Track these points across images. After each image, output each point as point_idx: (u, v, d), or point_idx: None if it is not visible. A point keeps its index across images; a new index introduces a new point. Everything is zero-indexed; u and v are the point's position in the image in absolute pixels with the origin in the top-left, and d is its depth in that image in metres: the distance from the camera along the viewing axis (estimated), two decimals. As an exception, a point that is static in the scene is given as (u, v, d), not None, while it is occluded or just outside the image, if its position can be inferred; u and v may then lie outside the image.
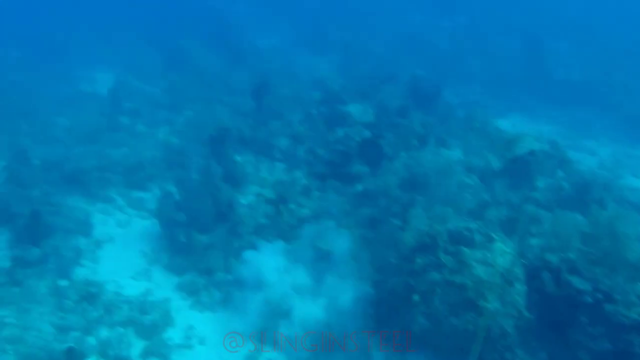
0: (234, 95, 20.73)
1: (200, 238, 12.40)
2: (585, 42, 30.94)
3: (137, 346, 10.22)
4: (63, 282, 11.25)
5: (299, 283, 11.57)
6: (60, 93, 23.18)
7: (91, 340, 10.03)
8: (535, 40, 27.45)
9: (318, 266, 11.93)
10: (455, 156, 14.79)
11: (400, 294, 8.95)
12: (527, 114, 23.40)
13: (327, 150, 14.31)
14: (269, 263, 11.94)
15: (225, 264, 12.25)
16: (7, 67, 26.31)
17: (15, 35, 30.87)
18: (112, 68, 26.39)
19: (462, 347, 8.36)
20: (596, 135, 21.88)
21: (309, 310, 10.84)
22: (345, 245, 12.28)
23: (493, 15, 33.68)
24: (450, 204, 12.40)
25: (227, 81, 22.84)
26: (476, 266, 8.38)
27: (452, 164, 14.42)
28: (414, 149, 14.58)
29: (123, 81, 22.67)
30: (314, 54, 29.66)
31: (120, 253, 12.82)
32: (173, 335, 10.71)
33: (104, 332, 10.30)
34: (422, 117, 16.43)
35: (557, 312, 8.58)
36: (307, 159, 14.86)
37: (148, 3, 36.25)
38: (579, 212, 12.00)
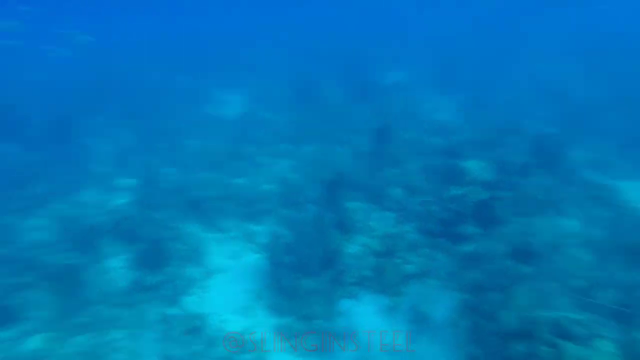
0: (354, 134, 21.16)
1: (305, 282, 12.86)
2: None
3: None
4: (172, 311, 12.32)
5: (394, 343, 11.50)
6: (192, 113, 25.51)
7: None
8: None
9: (416, 327, 11.85)
10: (574, 227, 13.77)
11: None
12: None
13: (441, 208, 14.20)
14: (367, 318, 12.09)
15: (325, 312, 12.52)
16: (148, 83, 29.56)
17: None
18: (242, 91, 28.39)
19: None
20: None
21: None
22: (445, 310, 12.09)
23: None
24: (559, 281, 11.75)
25: (350, 118, 23.41)
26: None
27: (568, 236, 13.53)
28: (530, 215, 13.83)
29: (250, 108, 24.24)
30: (440, 93, 29.23)
31: (228, 286, 13.71)
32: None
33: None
34: (542, 180, 15.54)
35: None
36: (419, 212, 14.78)
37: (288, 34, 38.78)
38: None
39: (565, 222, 14.08)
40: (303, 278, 13.16)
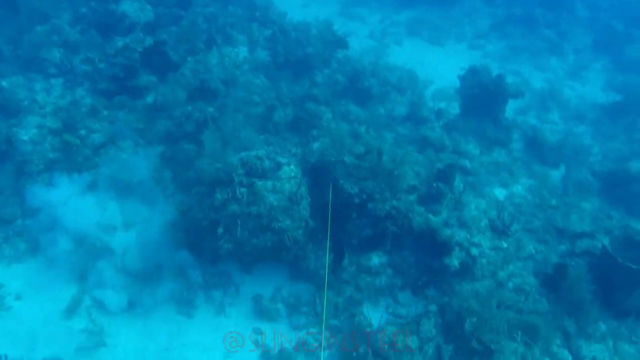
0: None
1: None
2: None
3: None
4: None
5: (106, 217, 12.02)
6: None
7: None
8: None
9: (123, 195, 12.43)
10: (242, 54, 15.35)
11: (206, 227, 10.23)
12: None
13: (108, 64, 13.67)
14: (70, 201, 12.02)
15: (22, 210, 11.92)
16: None
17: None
18: None
19: (264, 257, 10.40)
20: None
21: (123, 243, 11.58)
22: (146, 168, 12.83)
23: None
24: (242, 112, 13.54)
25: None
26: (268, 195, 9.98)
27: (240, 64, 15.12)
28: (200, 50, 14.69)
29: None
30: None
31: None
32: (-16, 298, 10.69)
33: None
34: (205, 9, 16.21)
35: (335, 213, 10.78)
36: (86, 73, 14.01)
37: None
38: (353, 103, 14.26)
39: (235, 51, 15.46)
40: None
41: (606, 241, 10.86)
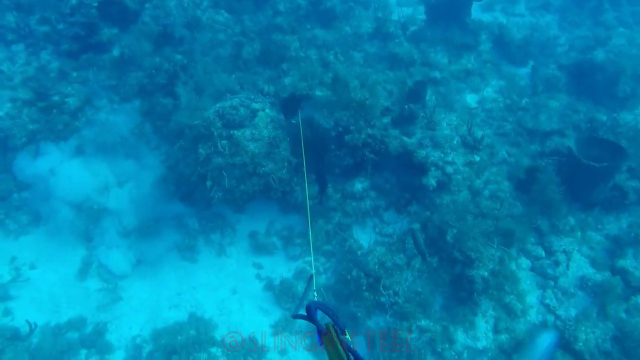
0: None
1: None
2: None
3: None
4: None
5: (98, 178, 12.10)
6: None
7: None
8: None
9: (109, 155, 12.42)
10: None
11: (195, 181, 10.36)
12: None
13: (67, 25, 12.96)
14: (60, 168, 12.05)
15: (16, 184, 11.96)
16: None
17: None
18: None
19: (254, 197, 10.69)
20: None
21: (119, 202, 11.79)
22: (126, 124, 12.71)
23: None
24: (211, 55, 13.12)
25: None
26: (248, 144, 10.00)
27: (200, 2, 14.33)
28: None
29: None
30: None
31: None
32: (0, 273, 11.08)
33: None
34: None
35: (315, 147, 10.86)
36: (47, 35, 13.30)
37: None
38: (319, 26, 13.76)
39: None
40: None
41: (572, 141, 11.09)
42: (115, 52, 13.46)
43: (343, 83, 10.57)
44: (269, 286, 10.99)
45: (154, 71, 12.50)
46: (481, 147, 10.72)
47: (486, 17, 16.14)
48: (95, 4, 13.01)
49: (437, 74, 13.46)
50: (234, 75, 12.78)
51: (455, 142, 10.77)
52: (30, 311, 10.70)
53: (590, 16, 15.88)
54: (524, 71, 14.44)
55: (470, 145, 10.77)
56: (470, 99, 13.57)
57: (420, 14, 15.56)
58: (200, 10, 14.04)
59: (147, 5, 13.79)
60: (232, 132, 9.97)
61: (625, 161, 10.37)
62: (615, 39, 14.30)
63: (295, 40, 13.53)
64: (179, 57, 12.68)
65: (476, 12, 15.61)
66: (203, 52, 13.09)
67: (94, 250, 11.38)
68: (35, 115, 12.29)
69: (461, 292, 9.89)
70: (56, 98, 12.59)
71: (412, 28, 15.00)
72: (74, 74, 13.06)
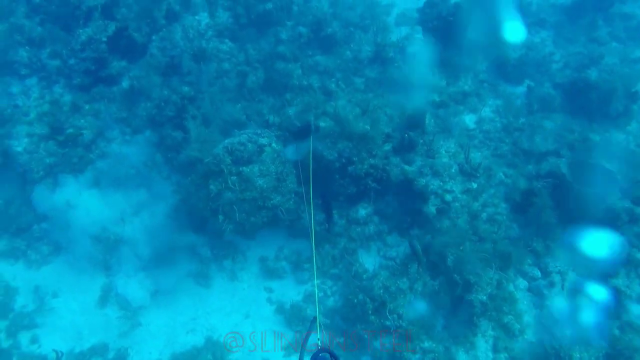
0: None
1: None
2: None
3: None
4: None
5: (114, 208, 12.77)
6: None
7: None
8: None
9: (124, 185, 13.08)
10: (204, 21, 15.07)
11: (208, 217, 11.01)
12: None
13: (78, 60, 13.57)
14: (77, 200, 12.73)
15: (35, 216, 12.61)
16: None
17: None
18: None
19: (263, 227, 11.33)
20: None
21: (134, 232, 12.46)
22: (137, 155, 13.35)
23: None
24: (216, 85, 13.72)
25: None
26: (257, 180, 10.64)
27: (204, 32, 14.92)
28: (163, 27, 14.46)
29: None
30: None
31: None
32: (25, 302, 11.78)
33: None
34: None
35: (320, 181, 11.46)
36: (59, 69, 13.94)
37: None
38: (320, 52, 14.36)
39: (197, 19, 15.18)
40: (-9, 201, 12.44)
41: (566, 163, 11.64)
42: (125, 84, 14.09)
43: (344, 120, 11.14)
44: (280, 309, 11.63)
45: (162, 104, 13.09)
46: (478, 175, 11.29)
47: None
48: (105, 39, 13.60)
49: (435, 97, 14.01)
50: (239, 105, 13.39)
51: (453, 171, 11.37)
52: (54, 339, 11.41)
53: (585, 32, 16.36)
54: (520, 90, 14.97)
55: (468, 173, 11.35)
56: (469, 120, 14.13)
57: (418, 32, 16.10)
58: (205, 40, 14.62)
59: (153, 37, 14.41)
60: (241, 168, 10.59)
61: (616, 185, 10.92)
62: (607, 58, 14.78)
63: (297, 68, 14.11)
64: (186, 88, 13.26)
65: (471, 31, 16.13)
66: (209, 82, 13.68)
67: (113, 279, 12.03)
68: (52, 148, 12.93)
69: (462, 314, 10.51)
70: (71, 130, 13.20)
71: (410, 49, 15.54)
72: (87, 107, 13.68)
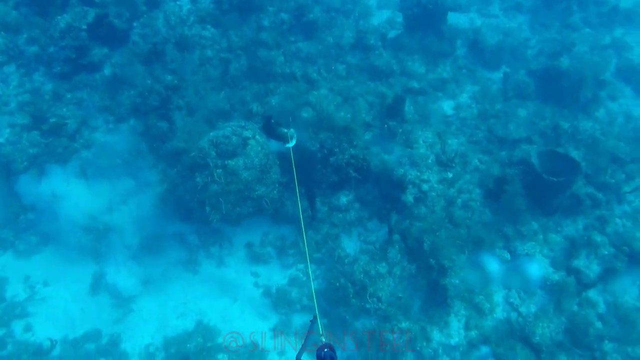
0: None
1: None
2: None
3: (-8, 317, 11.77)
4: None
5: (101, 197, 13.14)
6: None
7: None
8: None
9: (110, 173, 13.39)
10: (185, 6, 15.16)
11: (195, 208, 11.50)
12: None
13: (58, 48, 13.62)
14: (64, 189, 13.03)
15: (21, 207, 12.89)
16: None
17: None
18: None
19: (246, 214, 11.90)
20: None
21: (122, 221, 12.89)
22: (122, 144, 13.63)
23: None
24: (200, 73, 13.98)
25: None
26: (242, 172, 11.12)
27: (186, 18, 15.02)
28: (144, 14, 14.53)
29: None
30: None
31: None
32: (15, 292, 12.22)
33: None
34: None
35: (303, 170, 11.97)
36: (38, 56, 13.96)
37: None
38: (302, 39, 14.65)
39: (179, 3, 15.24)
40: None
41: (536, 153, 12.35)
42: (107, 71, 14.24)
43: (325, 112, 11.62)
44: (267, 293, 12.31)
45: (146, 93, 13.31)
46: (454, 165, 11.96)
47: (462, 19, 17.13)
48: (85, 27, 13.65)
49: (415, 84, 14.54)
50: (223, 93, 13.72)
51: (430, 161, 12.01)
52: (47, 327, 11.94)
53: (560, 17, 16.93)
54: (497, 76, 15.57)
55: (444, 163, 12.01)
56: (447, 106, 14.72)
57: (400, 17, 16.48)
58: (187, 26, 14.75)
59: (135, 24, 14.49)
60: (226, 162, 11.05)
61: (580, 174, 11.72)
62: (579, 45, 15.43)
63: (280, 55, 14.45)
64: (169, 77, 13.50)
65: (453, 14, 16.55)
66: (192, 70, 13.92)
67: (103, 266, 12.52)
68: (36, 139, 13.12)
69: (437, 296, 11.35)
70: (54, 120, 13.35)
71: (391, 34, 15.96)
72: (68, 95, 13.83)
